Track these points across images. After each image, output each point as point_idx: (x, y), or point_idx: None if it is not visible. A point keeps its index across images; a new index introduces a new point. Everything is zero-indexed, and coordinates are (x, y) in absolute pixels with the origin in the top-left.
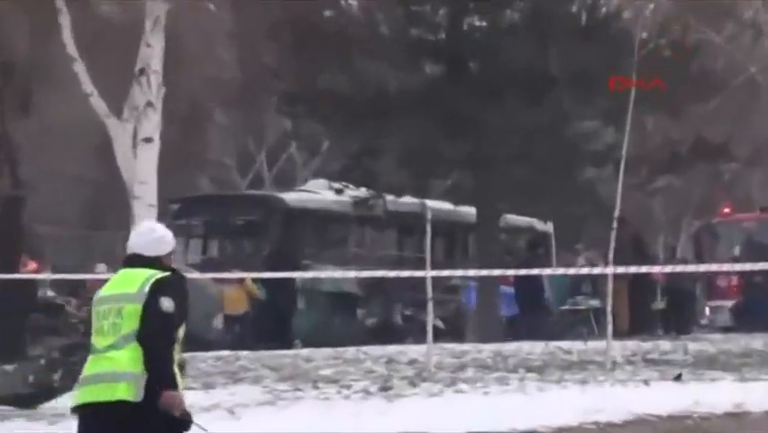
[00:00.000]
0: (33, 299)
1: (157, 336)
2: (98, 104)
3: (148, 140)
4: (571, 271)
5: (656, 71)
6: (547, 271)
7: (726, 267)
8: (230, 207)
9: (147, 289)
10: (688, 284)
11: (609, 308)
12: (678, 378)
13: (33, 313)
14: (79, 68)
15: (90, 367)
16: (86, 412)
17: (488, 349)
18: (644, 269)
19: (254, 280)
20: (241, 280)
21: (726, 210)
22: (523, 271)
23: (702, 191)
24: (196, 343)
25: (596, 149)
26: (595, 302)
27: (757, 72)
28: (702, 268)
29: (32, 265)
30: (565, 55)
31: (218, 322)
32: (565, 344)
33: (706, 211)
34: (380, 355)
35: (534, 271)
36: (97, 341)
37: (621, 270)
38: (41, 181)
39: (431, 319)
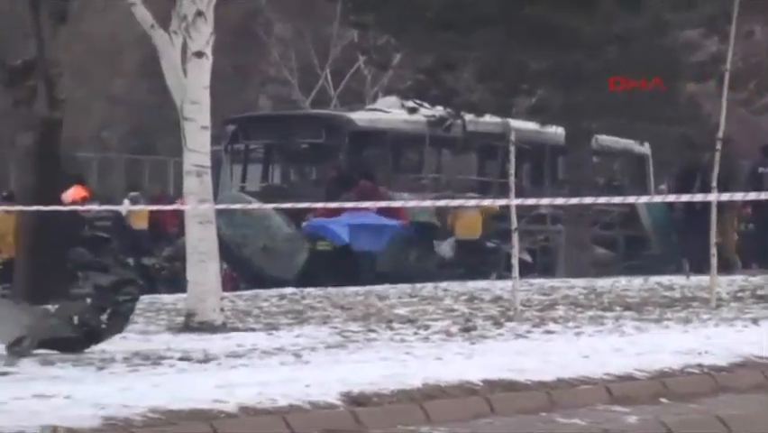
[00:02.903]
0: (76, 232)
1: None
2: (143, 13)
3: (199, 54)
4: (670, 198)
5: None
6: (643, 199)
7: None
8: (292, 128)
9: None
10: None
11: (713, 240)
12: None
13: (76, 247)
14: None
15: None
16: None
17: (579, 285)
18: (751, 195)
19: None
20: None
21: None
22: (617, 199)
23: None
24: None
25: (698, 60)
26: None
27: None
28: None
29: (81, 193)
30: None
31: (447, 248)
32: (665, 279)
33: None
34: (461, 292)
35: (630, 199)
36: None
37: (726, 197)
38: (81, 102)
39: (516, 252)
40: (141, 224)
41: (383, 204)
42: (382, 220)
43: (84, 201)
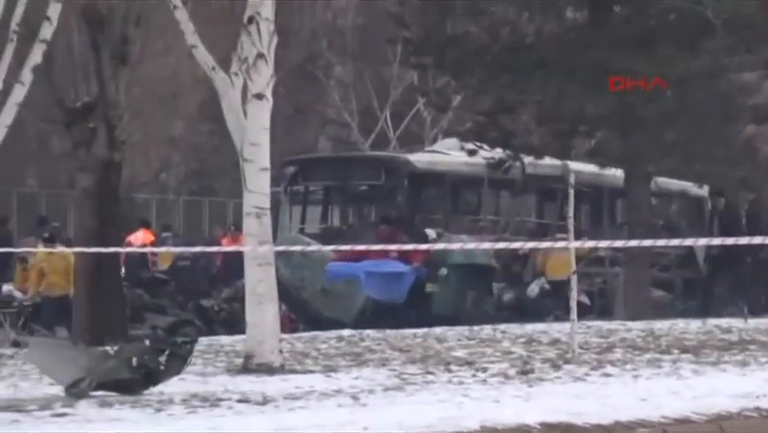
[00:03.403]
0: (136, 274)
1: None
2: (204, 56)
3: (259, 96)
4: (729, 241)
5: None
6: (702, 242)
7: None
8: (351, 170)
9: None
10: None
11: None
12: None
13: (136, 289)
14: (182, 16)
15: None
16: None
17: (637, 328)
18: None
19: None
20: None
21: None
22: (675, 242)
23: None
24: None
25: (756, 103)
26: None
27: None
28: None
29: (149, 237)
30: None
31: (536, 288)
32: (723, 321)
33: None
34: (519, 335)
35: (689, 242)
36: None
37: None
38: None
39: (575, 294)
40: (165, 264)
41: (424, 247)
42: (398, 267)
43: (152, 245)
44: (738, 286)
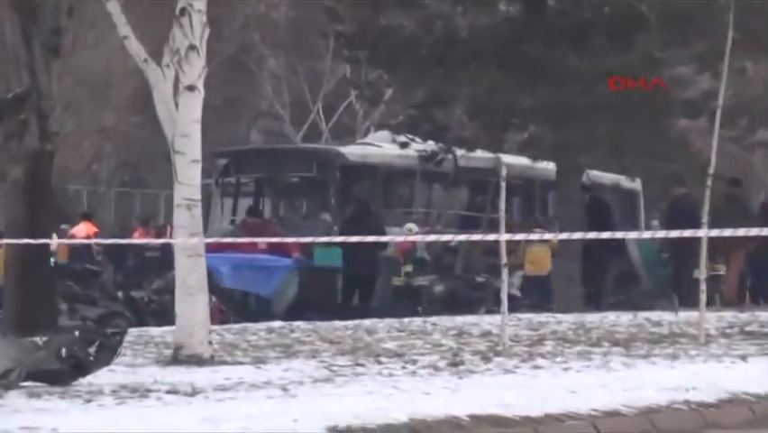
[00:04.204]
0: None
1: None
2: (136, 47)
3: (191, 88)
4: (660, 234)
5: (757, 9)
6: (632, 235)
7: None
8: (283, 163)
9: None
10: None
11: (703, 276)
12: None
13: (66, 280)
14: (114, 7)
15: None
16: None
17: (568, 320)
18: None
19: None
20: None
21: None
22: (606, 234)
23: None
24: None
25: (689, 97)
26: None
27: None
28: None
29: (92, 228)
30: None
31: (516, 281)
32: (654, 314)
33: None
34: (450, 327)
35: (619, 235)
36: None
37: (715, 233)
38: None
39: (506, 287)
40: (63, 258)
41: (354, 239)
42: (268, 260)
43: (95, 237)
44: (674, 279)
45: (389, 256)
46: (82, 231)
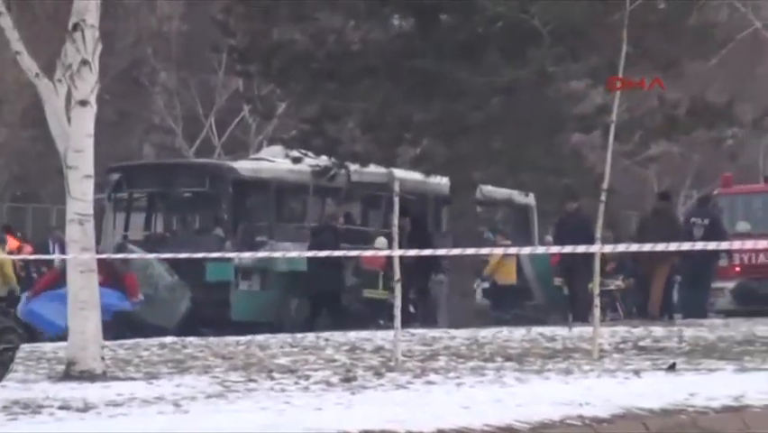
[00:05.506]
0: None
1: None
2: (27, 63)
3: (83, 103)
4: (554, 249)
5: (651, 25)
6: (526, 250)
7: (735, 244)
8: (175, 177)
9: None
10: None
11: (597, 291)
12: (672, 368)
13: None
14: (6, 23)
15: None
16: None
17: (461, 336)
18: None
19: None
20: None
21: (728, 181)
22: (499, 250)
23: (702, 159)
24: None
25: (583, 112)
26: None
27: (763, 27)
28: (709, 246)
29: (15, 243)
30: (549, 6)
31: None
32: (547, 329)
33: (706, 182)
34: (343, 342)
35: (512, 250)
36: None
37: (609, 248)
38: None
39: (398, 303)
40: None
41: (247, 255)
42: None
43: (19, 251)
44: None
45: (366, 269)
46: (9, 246)
